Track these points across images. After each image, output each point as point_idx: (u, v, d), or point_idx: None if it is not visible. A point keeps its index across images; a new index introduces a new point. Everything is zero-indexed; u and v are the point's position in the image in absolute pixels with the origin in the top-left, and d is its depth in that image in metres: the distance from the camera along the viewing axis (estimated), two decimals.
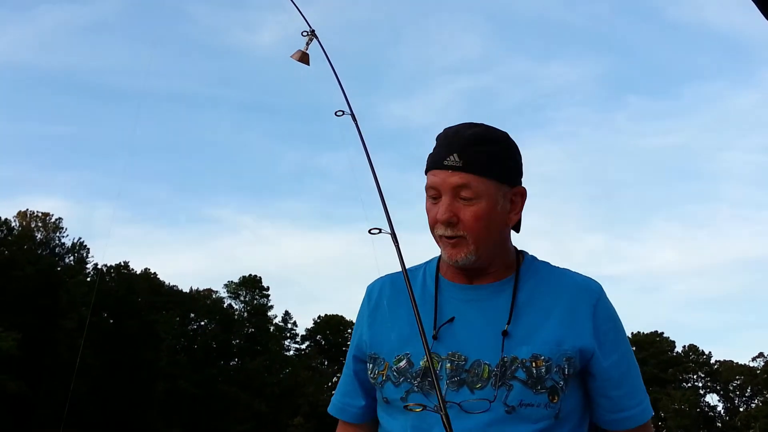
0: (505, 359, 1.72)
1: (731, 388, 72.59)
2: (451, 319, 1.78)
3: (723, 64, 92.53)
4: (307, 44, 2.24)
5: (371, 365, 1.86)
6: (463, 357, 1.75)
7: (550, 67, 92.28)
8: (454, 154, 1.76)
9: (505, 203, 1.79)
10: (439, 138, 1.84)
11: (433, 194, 1.79)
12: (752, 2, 1.33)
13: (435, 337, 1.77)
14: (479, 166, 1.75)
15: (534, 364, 1.71)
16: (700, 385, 74.10)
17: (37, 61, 79.51)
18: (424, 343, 1.65)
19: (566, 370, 1.73)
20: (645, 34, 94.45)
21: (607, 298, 1.83)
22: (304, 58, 2.23)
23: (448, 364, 1.75)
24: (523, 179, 1.85)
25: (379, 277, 1.98)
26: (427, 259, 1.96)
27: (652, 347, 71.69)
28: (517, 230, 1.89)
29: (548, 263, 1.89)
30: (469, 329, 1.78)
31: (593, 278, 1.85)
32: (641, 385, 1.84)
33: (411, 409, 1.75)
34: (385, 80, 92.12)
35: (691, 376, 74.07)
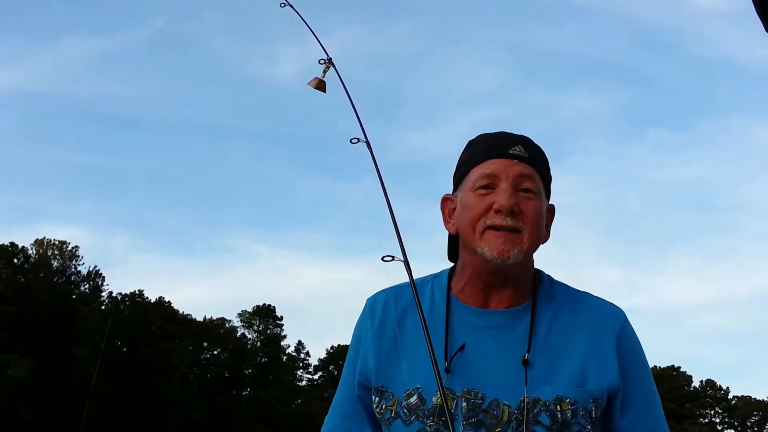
0: (527, 400, 1.57)
1: (749, 424, 71.49)
2: (462, 347, 1.63)
3: (743, 97, 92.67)
4: (324, 72, 2.25)
5: (377, 398, 1.70)
6: (480, 395, 1.60)
7: (568, 99, 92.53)
8: (519, 146, 1.67)
9: (545, 216, 1.70)
10: (479, 139, 1.75)
11: (487, 183, 1.65)
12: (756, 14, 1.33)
13: (447, 370, 1.62)
14: (541, 164, 1.70)
15: (559, 408, 1.58)
16: (718, 420, 73.07)
17: (57, 90, 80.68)
18: (437, 375, 1.52)
19: (593, 412, 1.60)
20: (664, 66, 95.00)
21: (630, 326, 1.71)
22: (320, 85, 2.24)
23: (464, 403, 1.61)
24: None
25: (379, 290, 1.83)
26: (434, 272, 1.83)
27: (669, 382, 70.83)
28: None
29: (567, 286, 1.76)
30: (486, 361, 1.63)
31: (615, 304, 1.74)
32: (663, 421, 1.72)
33: None
34: (403, 111, 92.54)
35: (708, 411, 73.10)
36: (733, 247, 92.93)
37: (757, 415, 70.98)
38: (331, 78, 2.25)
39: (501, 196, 1.62)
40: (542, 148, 1.75)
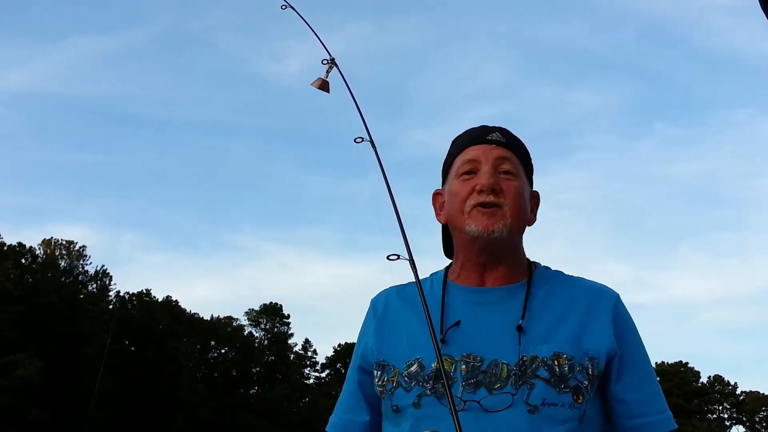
0: (525, 358, 1.65)
1: (757, 419, 71.34)
2: (457, 323, 1.72)
3: (751, 91, 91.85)
4: (327, 72, 2.26)
5: (379, 372, 1.78)
6: (478, 358, 1.67)
7: (575, 95, 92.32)
8: (497, 132, 1.83)
9: (528, 200, 1.83)
10: (463, 133, 1.90)
11: (470, 168, 1.80)
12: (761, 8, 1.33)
13: (443, 341, 1.70)
14: (519, 148, 1.84)
15: (556, 362, 1.64)
16: (726, 416, 72.93)
17: (63, 90, 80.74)
18: (434, 342, 1.60)
19: (590, 369, 1.66)
20: (671, 60, 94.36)
21: (624, 305, 1.78)
22: (323, 85, 2.25)
23: (463, 366, 1.67)
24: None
25: (383, 290, 1.94)
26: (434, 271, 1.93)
27: (677, 377, 70.70)
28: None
29: (562, 272, 1.85)
30: (483, 330, 1.72)
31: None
32: (661, 394, 1.76)
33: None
34: (409, 108, 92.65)
35: (716, 407, 72.91)
36: (741, 242, 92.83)
37: (765, 410, 70.77)
38: (334, 78, 2.26)
39: (482, 177, 1.76)
40: (522, 140, 1.89)
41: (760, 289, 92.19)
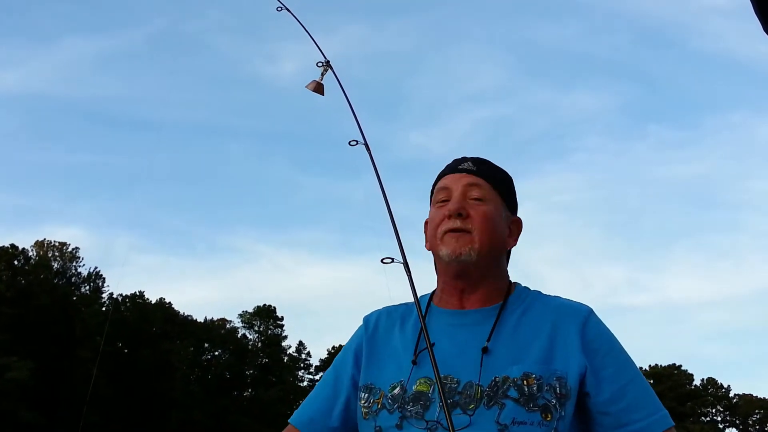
0: (497, 379, 1.71)
1: (750, 422, 71.53)
2: (432, 345, 1.75)
3: (746, 93, 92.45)
4: (322, 75, 2.27)
5: (366, 395, 1.85)
6: (455, 380, 1.74)
7: (570, 97, 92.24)
8: (468, 162, 1.92)
9: (506, 224, 1.90)
10: (445, 167, 1.97)
11: (443, 197, 1.89)
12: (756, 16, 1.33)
13: (414, 362, 1.79)
14: (490, 175, 1.90)
15: (525, 382, 1.70)
16: (719, 419, 73.09)
17: (57, 91, 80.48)
18: (433, 363, 1.67)
19: (557, 389, 1.71)
20: (667, 63, 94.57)
21: (597, 318, 1.82)
22: (318, 88, 2.26)
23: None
24: (523, 216, 1.96)
25: (375, 309, 2.01)
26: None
27: (670, 380, 70.89)
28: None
29: (539, 292, 1.90)
30: (460, 352, 1.77)
31: (585, 303, 1.85)
32: (651, 397, 1.76)
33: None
34: (404, 109, 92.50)
35: (709, 409, 73.08)
36: (735, 244, 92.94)
37: (758, 413, 70.95)
38: (329, 80, 2.27)
39: (451, 203, 1.85)
40: (503, 169, 1.96)
41: (754, 291, 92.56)
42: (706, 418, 72.44)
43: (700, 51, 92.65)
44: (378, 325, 1.95)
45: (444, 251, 1.82)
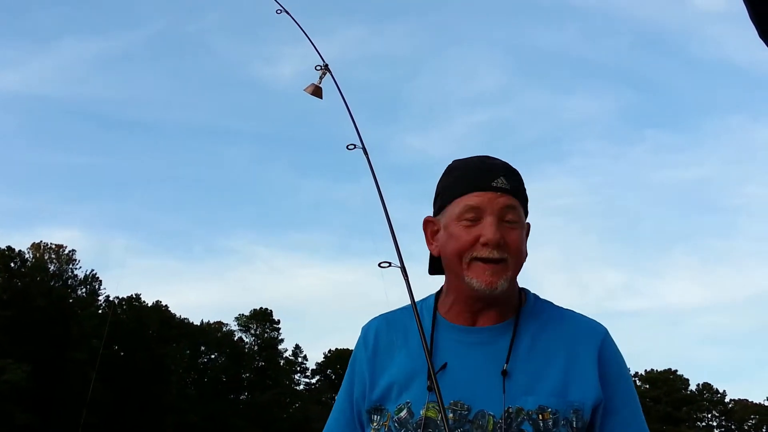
0: (510, 410, 1.63)
1: (746, 427, 71.53)
2: (444, 366, 1.69)
3: (743, 98, 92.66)
4: (321, 78, 2.27)
5: (377, 416, 1.76)
6: (466, 406, 1.65)
7: (569, 101, 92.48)
8: (501, 177, 1.72)
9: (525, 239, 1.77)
10: (460, 167, 1.79)
11: (473, 216, 1.70)
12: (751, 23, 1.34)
13: (430, 389, 1.67)
14: (521, 193, 1.75)
15: (541, 417, 1.62)
16: (715, 424, 73.12)
17: (56, 92, 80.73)
18: (437, 387, 1.61)
19: (574, 422, 1.64)
20: (665, 67, 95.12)
21: (612, 341, 1.75)
22: (316, 91, 2.26)
23: (450, 414, 1.65)
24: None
25: (373, 317, 1.90)
26: (422, 298, 1.87)
27: (666, 385, 70.89)
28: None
29: (552, 303, 1.81)
30: (471, 375, 1.69)
31: (598, 321, 1.78)
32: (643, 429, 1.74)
33: None
34: (403, 112, 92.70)
35: (705, 414, 73.10)
36: (732, 248, 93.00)
37: (753, 418, 70.98)
38: (328, 83, 2.27)
39: (488, 230, 1.68)
40: (518, 171, 1.80)
41: (750, 296, 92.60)
42: (701, 423, 72.44)
43: (698, 56, 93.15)
44: (378, 341, 1.83)
45: (475, 282, 1.68)
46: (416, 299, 1.84)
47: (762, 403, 71.56)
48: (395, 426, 1.70)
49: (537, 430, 1.61)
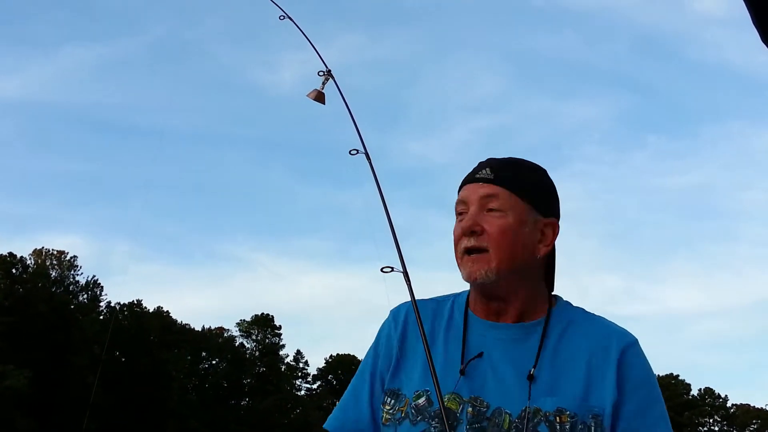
0: (528, 410, 1.61)
1: None
2: (480, 354, 1.68)
3: (743, 103, 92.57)
4: (323, 84, 2.27)
5: (392, 400, 1.74)
6: (485, 403, 1.64)
7: (568, 106, 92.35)
8: (486, 169, 1.76)
9: (535, 231, 1.73)
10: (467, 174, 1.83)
11: (461, 209, 1.76)
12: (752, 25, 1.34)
13: (462, 372, 1.67)
14: (509, 181, 1.74)
15: (558, 419, 1.60)
16: (717, 429, 72.94)
17: (56, 99, 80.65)
18: (438, 384, 1.60)
19: (592, 428, 1.61)
20: (664, 73, 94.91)
21: (638, 349, 1.71)
22: (319, 97, 2.26)
23: (470, 409, 1.64)
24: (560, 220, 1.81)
25: (404, 302, 1.86)
26: (456, 292, 1.88)
27: (668, 390, 70.69)
28: (551, 287, 1.81)
29: (583, 309, 1.79)
30: (494, 371, 1.68)
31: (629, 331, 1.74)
32: None
33: None
34: (404, 119, 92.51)
35: (707, 419, 72.93)
36: (732, 254, 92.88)
37: (756, 423, 70.80)
38: (330, 89, 2.27)
39: (464, 220, 1.72)
40: (530, 164, 1.81)
41: (751, 301, 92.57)
42: (703, 428, 72.29)
43: (698, 61, 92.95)
44: (408, 322, 1.81)
45: (463, 273, 1.72)
46: (447, 294, 1.88)
47: (764, 407, 71.43)
48: (412, 412, 1.69)
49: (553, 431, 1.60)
